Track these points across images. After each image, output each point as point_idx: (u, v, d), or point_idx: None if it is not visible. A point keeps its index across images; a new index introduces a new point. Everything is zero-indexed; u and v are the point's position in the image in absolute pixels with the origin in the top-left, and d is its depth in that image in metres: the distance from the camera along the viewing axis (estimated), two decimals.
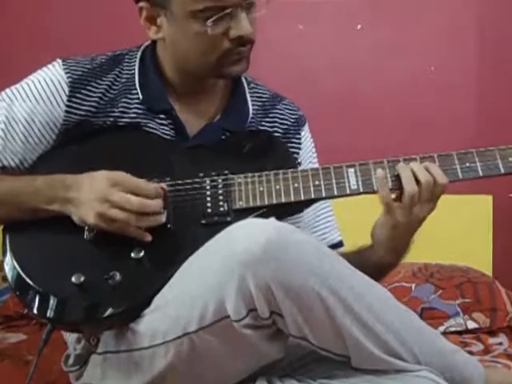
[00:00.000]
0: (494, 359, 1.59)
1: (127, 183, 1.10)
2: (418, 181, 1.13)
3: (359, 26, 2.44)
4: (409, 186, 1.12)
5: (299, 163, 1.34)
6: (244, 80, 1.35)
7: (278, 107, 1.38)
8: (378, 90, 2.42)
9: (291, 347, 1.10)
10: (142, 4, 1.21)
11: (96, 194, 1.09)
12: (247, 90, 1.35)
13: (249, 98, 1.34)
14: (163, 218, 1.12)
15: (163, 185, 1.14)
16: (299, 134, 1.38)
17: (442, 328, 1.80)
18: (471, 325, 1.83)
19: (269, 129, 1.34)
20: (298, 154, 1.37)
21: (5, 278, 1.16)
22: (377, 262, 1.21)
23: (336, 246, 1.36)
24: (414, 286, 1.93)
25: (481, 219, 2.31)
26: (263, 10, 1.21)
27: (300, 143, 1.38)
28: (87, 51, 1.30)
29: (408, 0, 2.45)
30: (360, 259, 1.20)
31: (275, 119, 1.36)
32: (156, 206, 1.11)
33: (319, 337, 1.04)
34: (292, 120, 1.38)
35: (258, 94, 1.37)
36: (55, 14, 2.46)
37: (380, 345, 1.03)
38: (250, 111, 1.33)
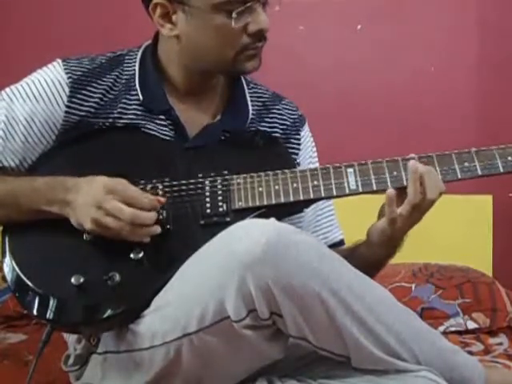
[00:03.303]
0: (494, 359, 1.59)
1: (123, 192, 1.10)
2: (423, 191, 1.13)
3: (359, 26, 2.44)
4: (414, 198, 1.12)
5: (298, 163, 1.34)
6: (244, 80, 1.35)
7: (277, 107, 1.37)
8: (378, 90, 2.42)
9: (291, 347, 1.10)
10: (157, 0, 1.19)
11: (92, 200, 1.09)
12: (247, 91, 1.35)
13: (248, 99, 1.34)
14: (158, 230, 1.12)
15: (162, 198, 1.14)
16: (299, 133, 1.38)
17: (441, 328, 1.80)
18: (471, 325, 1.83)
19: (268, 129, 1.34)
20: (297, 154, 1.36)
21: (5, 278, 1.16)
22: (371, 257, 1.21)
23: (337, 244, 1.37)
24: (414, 286, 1.93)
25: (481, 219, 2.31)
26: (276, 7, 1.22)
27: (300, 143, 1.38)
28: (87, 51, 1.30)
29: (408, 0, 2.45)
30: (355, 256, 1.21)
31: (275, 119, 1.36)
32: (148, 218, 1.10)
33: (319, 337, 1.04)
34: (291, 120, 1.38)
35: (258, 94, 1.37)
36: (55, 13, 2.46)
37: (380, 345, 1.03)
38: (250, 111, 1.32)
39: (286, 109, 1.39)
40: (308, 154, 1.39)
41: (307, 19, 2.44)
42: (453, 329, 1.82)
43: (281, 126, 1.36)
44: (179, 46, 1.23)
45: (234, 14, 1.15)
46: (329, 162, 1.22)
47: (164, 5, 1.19)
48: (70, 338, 1.23)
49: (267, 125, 1.34)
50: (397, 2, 2.44)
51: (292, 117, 1.38)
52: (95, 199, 1.09)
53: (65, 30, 2.41)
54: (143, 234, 1.10)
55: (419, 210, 1.13)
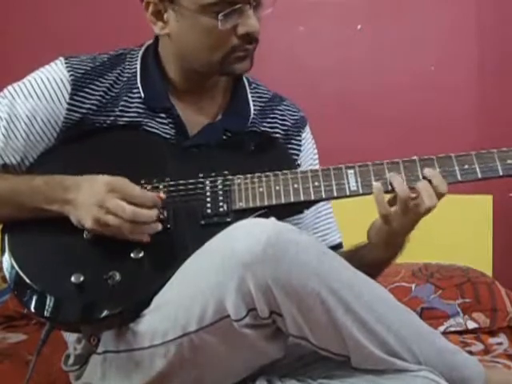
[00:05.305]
0: (494, 359, 1.59)
1: (125, 190, 1.10)
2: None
3: (359, 26, 2.44)
4: (401, 192, 1.11)
5: (299, 164, 1.34)
6: (246, 80, 1.35)
7: (279, 108, 1.37)
8: (378, 91, 2.42)
9: (291, 347, 1.10)
10: None
11: (93, 198, 1.09)
12: (249, 91, 1.35)
13: (250, 99, 1.34)
14: (158, 227, 1.12)
15: (162, 194, 1.14)
16: (300, 135, 1.38)
17: (442, 328, 1.80)
18: (471, 325, 1.83)
19: (269, 129, 1.34)
20: (298, 154, 1.36)
21: (5, 279, 1.16)
22: (373, 259, 1.21)
23: (336, 247, 1.36)
24: (413, 286, 1.93)
25: (481, 219, 2.31)
26: (270, 9, 1.21)
27: (301, 144, 1.37)
28: (88, 50, 1.30)
29: (408, 0, 2.45)
30: (356, 257, 1.20)
31: (276, 120, 1.36)
32: (149, 216, 1.10)
33: (319, 337, 1.04)
34: (293, 121, 1.38)
35: (260, 95, 1.37)
36: (56, 12, 2.46)
37: (380, 345, 1.03)
38: (252, 112, 1.32)
39: (288, 110, 1.38)
40: (309, 156, 1.39)
41: (307, 19, 2.44)
42: (453, 329, 1.82)
43: (282, 127, 1.36)
44: (172, 45, 1.24)
45: (220, 16, 1.15)
46: (328, 162, 1.22)
47: (155, 3, 1.20)
48: (70, 338, 1.23)
49: (268, 125, 1.34)
50: (397, 2, 2.45)
51: (293, 118, 1.38)
52: (96, 198, 1.09)
53: (65, 30, 2.41)
54: (143, 231, 1.10)
55: (413, 206, 1.11)
